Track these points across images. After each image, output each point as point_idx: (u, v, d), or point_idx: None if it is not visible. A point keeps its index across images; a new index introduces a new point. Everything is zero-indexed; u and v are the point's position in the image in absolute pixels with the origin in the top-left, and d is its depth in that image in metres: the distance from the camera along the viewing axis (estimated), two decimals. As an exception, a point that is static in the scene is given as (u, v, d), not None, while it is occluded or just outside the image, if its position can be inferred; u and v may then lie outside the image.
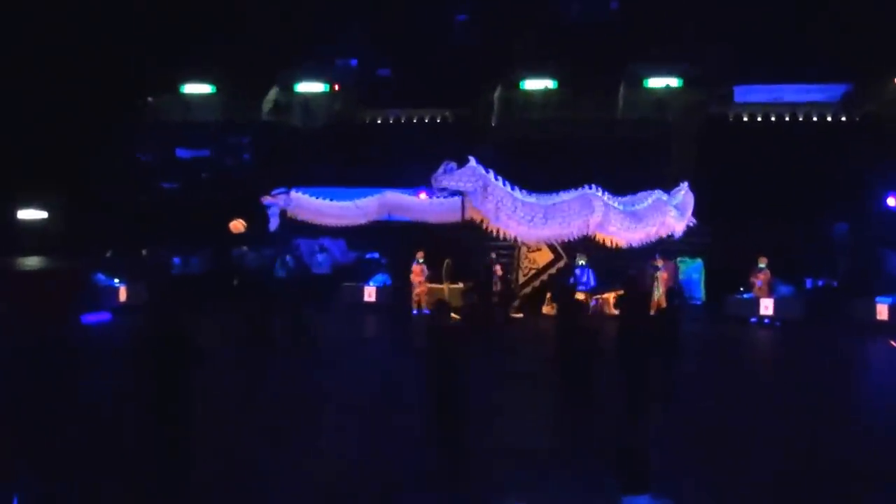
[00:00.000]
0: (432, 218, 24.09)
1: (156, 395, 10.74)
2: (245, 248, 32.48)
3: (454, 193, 19.71)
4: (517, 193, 19.23)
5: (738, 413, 15.09)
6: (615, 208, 20.63)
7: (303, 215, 23.98)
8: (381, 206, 23.98)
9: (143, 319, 11.27)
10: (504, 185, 18.99)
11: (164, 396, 10.67)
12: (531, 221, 19.32)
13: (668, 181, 35.63)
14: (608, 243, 22.04)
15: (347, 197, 25.20)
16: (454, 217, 23.74)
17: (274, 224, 23.37)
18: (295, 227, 25.41)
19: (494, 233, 19.89)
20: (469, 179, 18.41)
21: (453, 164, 18.75)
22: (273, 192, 23.44)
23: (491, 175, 18.81)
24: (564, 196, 20.08)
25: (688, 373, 17.62)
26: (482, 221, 20.61)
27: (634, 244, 21.98)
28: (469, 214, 19.75)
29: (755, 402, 15.91)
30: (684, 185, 23.88)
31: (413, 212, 23.92)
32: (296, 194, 23.69)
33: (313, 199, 23.94)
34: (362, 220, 24.20)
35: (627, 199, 22.46)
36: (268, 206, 23.21)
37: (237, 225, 23.23)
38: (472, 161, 18.83)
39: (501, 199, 18.82)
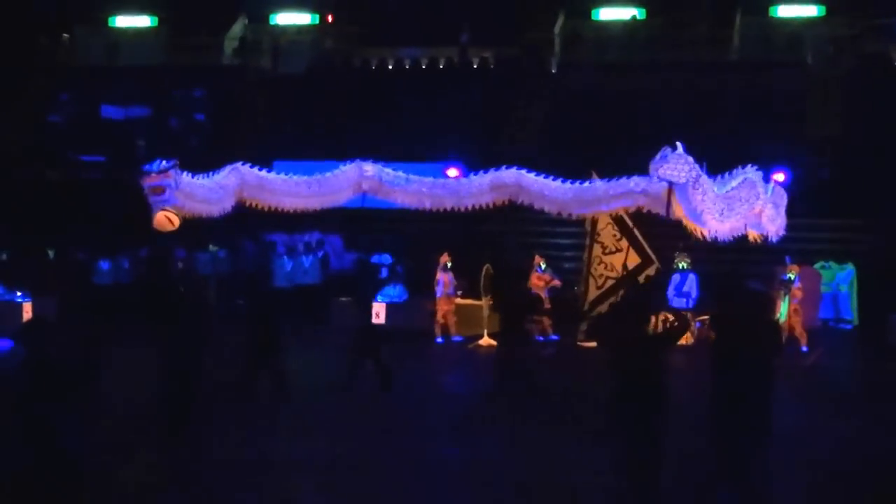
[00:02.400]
0: (312, 203, 23.39)
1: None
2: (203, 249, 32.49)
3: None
4: (712, 184, 21.02)
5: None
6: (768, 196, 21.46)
7: (181, 202, 23.31)
8: (240, 185, 23.19)
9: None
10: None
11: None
12: (721, 215, 20.89)
13: (803, 147, 35.46)
14: (756, 240, 22.60)
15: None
16: (332, 201, 23.13)
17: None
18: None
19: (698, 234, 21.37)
20: (683, 169, 20.18)
21: (669, 149, 20.28)
22: (153, 168, 22.31)
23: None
24: (732, 182, 21.00)
25: (834, 441, 17.27)
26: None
27: (774, 242, 22.59)
28: (674, 210, 20.79)
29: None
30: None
31: (277, 195, 23.20)
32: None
33: (188, 177, 23.16)
34: (228, 206, 23.67)
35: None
36: (152, 191, 22.17)
37: (166, 218, 22.51)
38: (680, 147, 20.38)
39: (706, 192, 20.50)
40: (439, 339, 27.51)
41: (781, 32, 42.02)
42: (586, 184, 22.28)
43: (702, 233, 21.24)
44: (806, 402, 21.04)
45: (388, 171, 23.05)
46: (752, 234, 22.43)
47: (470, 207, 22.75)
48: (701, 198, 20.32)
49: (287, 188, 22.99)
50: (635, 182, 22.17)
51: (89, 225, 33.79)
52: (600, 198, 22.60)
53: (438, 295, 27.62)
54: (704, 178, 20.50)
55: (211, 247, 32.36)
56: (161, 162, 21.95)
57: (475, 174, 22.46)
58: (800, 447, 16.64)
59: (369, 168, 22.89)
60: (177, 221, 22.02)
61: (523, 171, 22.26)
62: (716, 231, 20.90)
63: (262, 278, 32.00)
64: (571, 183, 22.22)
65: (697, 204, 20.30)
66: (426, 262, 29.07)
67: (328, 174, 22.76)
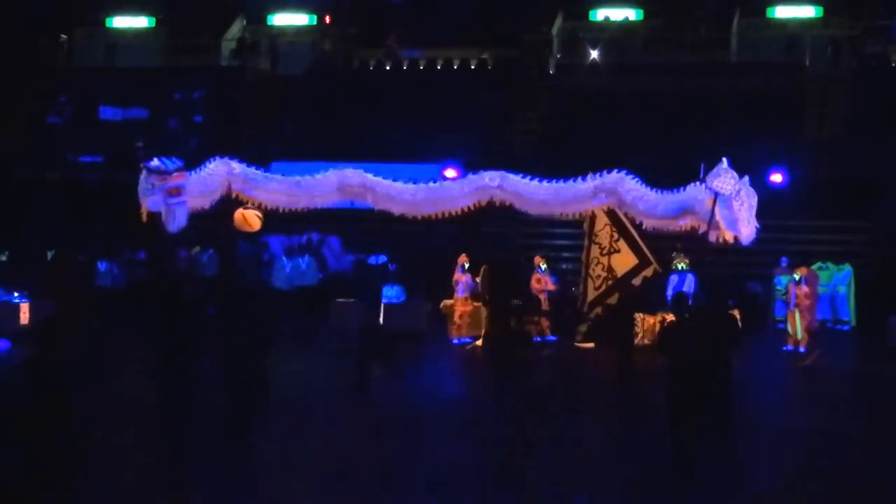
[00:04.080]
0: (197, 203, 23.12)
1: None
2: (197, 248, 32.48)
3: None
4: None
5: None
6: None
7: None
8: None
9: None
10: None
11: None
12: (748, 222, 22.10)
13: (801, 148, 35.44)
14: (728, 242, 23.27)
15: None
16: (209, 200, 22.84)
17: (180, 219, 22.18)
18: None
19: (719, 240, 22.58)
20: (730, 182, 21.53)
21: (721, 164, 21.63)
22: (168, 167, 21.95)
23: None
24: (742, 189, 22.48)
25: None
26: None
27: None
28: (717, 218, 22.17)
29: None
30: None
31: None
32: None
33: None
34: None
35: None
36: (169, 192, 21.83)
37: (249, 217, 22.06)
38: (725, 162, 21.71)
39: (743, 202, 21.83)
40: (455, 341, 27.32)
41: (779, 34, 42.00)
42: (432, 184, 22.41)
43: (734, 238, 21.95)
44: (804, 403, 21.11)
45: (250, 170, 23.05)
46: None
47: (320, 207, 22.96)
48: (738, 207, 21.55)
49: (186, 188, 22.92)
50: (490, 177, 22.44)
51: (88, 226, 33.76)
52: (455, 196, 22.88)
53: (460, 295, 27.50)
54: (745, 189, 21.66)
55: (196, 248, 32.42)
56: (166, 161, 21.83)
57: (321, 174, 22.57)
58: (798, 447, 16.71)
59: (236, 166, 22.86)
60: (257, 222, 22.04)
61: (362, 172, 22.58)
62: (742, 236, 22.12)
63: (258, 279, 32.07)
64: (415, 183, 22.46)
65: (736, 213, 21.50)
66: (428, 262, 29.09)
67: (202, 173, 22.53)
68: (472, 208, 23.20)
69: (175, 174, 21.51)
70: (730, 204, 21.27)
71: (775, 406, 20.60)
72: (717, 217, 21.66)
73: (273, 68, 44.56)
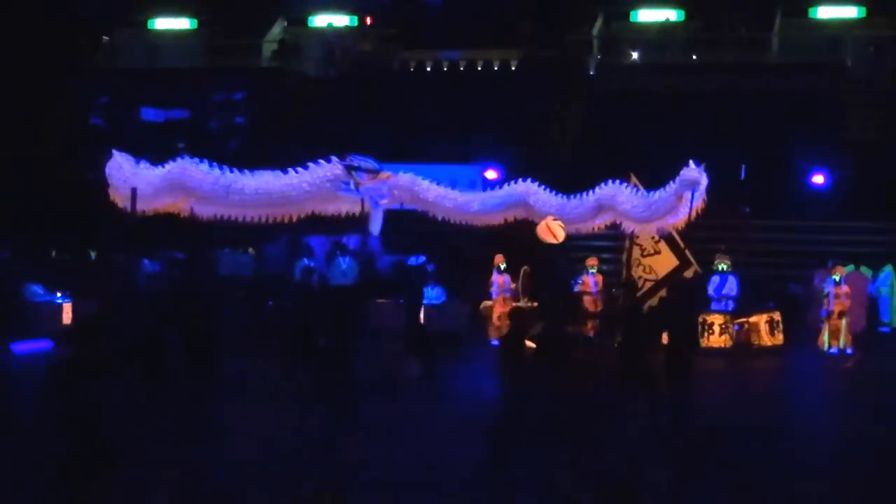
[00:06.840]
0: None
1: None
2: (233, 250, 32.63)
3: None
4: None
5: None
6: None
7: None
8: None
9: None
10: None
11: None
12: None
13: (843, 150, 35.28)
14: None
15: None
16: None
17: (380, 222, 22.68)
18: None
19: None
20: (704, 179, 22.64)
21: (698, 164, 22.52)
22: (370, 165, 22.21)
23: None
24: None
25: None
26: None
27: None
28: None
29: None
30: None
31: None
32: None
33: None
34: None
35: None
36: (368, 195, 22.03)
37: (554, 228, 22.34)
38: (692, 162, 22.62)
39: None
40: (495, 342, 27.17)
41: (821, 34, 41.84)
42: None
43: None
44: (844, 406, 20.94)
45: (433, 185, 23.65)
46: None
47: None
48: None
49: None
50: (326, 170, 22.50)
51: (131, 226, 33.90)
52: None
53: (494, 296, 27.38)
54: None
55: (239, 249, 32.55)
56: (370, 160, 22.18)
57: (505, 188, 23.37)
58: (837, 451, 16.61)
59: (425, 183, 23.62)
60: (560, 232, 22.46)
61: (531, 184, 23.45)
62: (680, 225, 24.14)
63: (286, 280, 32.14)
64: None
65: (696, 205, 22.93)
66: (466, 263, 29.06)
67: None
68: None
69: (384, 174, 22.01)
70: (694, 197, 22.49)
71: (814, 409, 20.50)
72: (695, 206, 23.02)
73: (323, 69, 44.59)
